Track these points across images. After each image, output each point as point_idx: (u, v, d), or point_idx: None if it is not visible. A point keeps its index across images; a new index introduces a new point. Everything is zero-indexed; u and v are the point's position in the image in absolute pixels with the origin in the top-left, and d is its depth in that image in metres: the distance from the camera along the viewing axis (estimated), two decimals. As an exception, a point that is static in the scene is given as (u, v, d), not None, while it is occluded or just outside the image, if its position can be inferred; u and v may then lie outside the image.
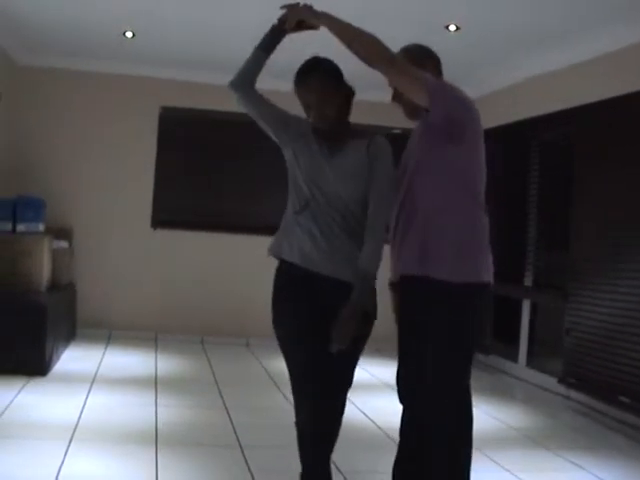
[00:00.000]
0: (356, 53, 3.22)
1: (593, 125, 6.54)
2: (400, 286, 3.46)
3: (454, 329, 3.26)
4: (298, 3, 3.38)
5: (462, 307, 3.28)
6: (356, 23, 3.18)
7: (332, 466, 4.46)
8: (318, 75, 3.31)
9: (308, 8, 3.35)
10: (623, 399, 5.90)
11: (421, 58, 3.47)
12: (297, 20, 3.35)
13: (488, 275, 3.37)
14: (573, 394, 6.66)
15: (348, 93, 3.37)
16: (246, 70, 3.44)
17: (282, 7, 3.38)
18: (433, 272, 3.25)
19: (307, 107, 3.34)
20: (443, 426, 3.28)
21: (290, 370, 3.31)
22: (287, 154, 3.44)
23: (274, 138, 3.47)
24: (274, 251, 3.39)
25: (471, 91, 7.61)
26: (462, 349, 3.31)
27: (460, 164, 3.31)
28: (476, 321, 3.39)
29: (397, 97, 3.48)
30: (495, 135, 7.03)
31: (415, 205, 3.35)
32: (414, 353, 3.40)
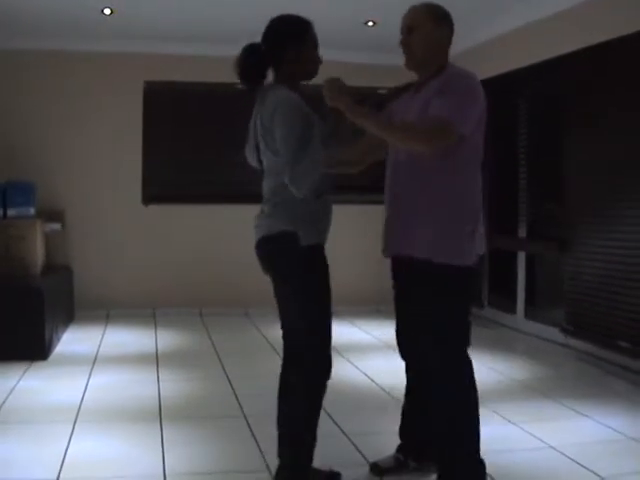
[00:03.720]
0: (403, 145, 3.44)
1: (580, 72, 6.49)
2: None
3: None
4: (338, 80, 3.39)
5: None
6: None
7: (337, 429, 4.52)
8: None
9: (346, 101, 3.33)
10: (623, 344, 5.92)
11: (441, 19, 3.56)
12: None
13: None
14: (572, 342, 6.68)
15: None
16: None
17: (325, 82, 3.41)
18: None
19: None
20: None
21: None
22: None
23: None
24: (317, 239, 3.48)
25: (455, 46, 7.60)
26: None
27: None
28: None
29: (406, 46, 3.54)
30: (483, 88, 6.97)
31: None
32: None
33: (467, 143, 3.39)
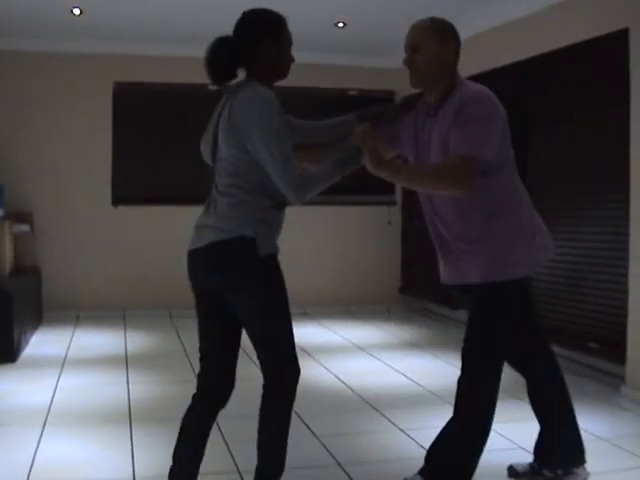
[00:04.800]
0: (432, 190, 3.38)
1: (547, 74, 6.55)
2: None
3: None
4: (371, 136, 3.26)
5: None
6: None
7: (306, 429, 4.52)
8: None
9: (376, 152, 3.22)
10: (592, 345, 5.96)
11: (446, 35, 3.44)
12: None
13: None
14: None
15: None
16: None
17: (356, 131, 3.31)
18: None
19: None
20: None
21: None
22: None
23: None
24: (274, 249, 3.21)
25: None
26: None
27: None
28: None
29: (411, 64, 3.42)
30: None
31: None
32: None
33: (494, 164, 3.32)
